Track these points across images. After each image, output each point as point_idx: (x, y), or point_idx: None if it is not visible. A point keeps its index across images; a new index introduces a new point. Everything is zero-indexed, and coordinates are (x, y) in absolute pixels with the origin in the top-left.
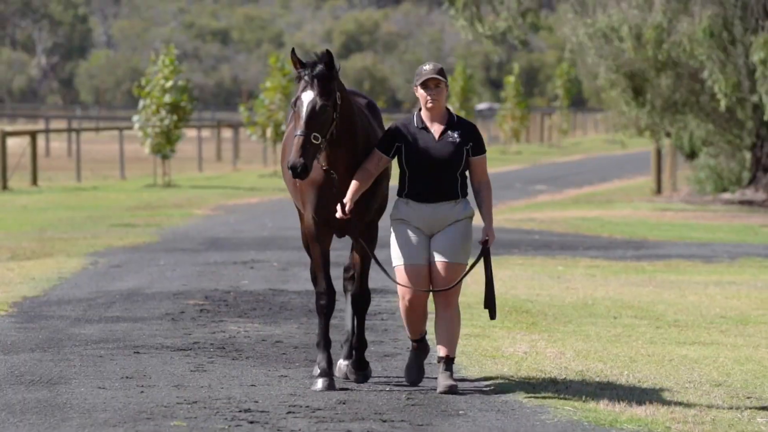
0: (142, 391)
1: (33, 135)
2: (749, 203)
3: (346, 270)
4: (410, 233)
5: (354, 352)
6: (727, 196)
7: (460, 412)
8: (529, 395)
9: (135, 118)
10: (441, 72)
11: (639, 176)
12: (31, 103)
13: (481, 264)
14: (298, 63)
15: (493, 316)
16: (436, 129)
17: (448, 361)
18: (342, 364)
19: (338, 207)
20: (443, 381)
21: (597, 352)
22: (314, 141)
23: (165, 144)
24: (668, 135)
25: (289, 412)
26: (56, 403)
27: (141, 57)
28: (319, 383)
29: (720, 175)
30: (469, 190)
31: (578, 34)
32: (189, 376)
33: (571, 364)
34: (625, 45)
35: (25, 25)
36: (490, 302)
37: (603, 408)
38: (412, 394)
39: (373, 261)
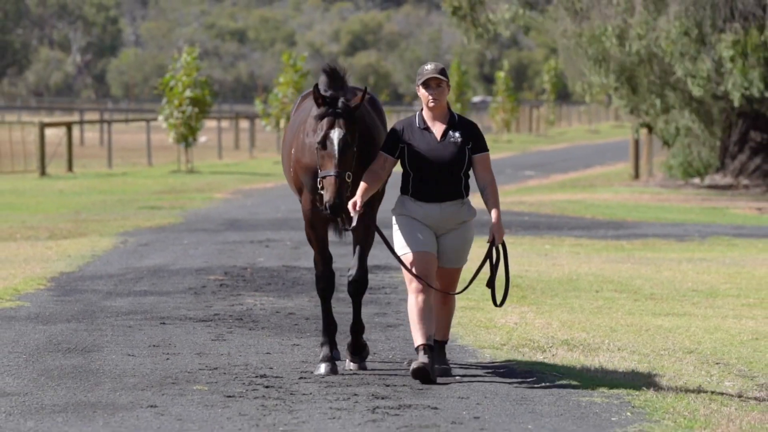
0: (167, 358)
1: (69, 126)
2: (718, 187)
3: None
4: (416, 224)
5: (351, 336)
6: (698, 181)
7: (456, 377)
8: (519, 362)
9: (160, 118)
10: (442, 72)
11: (618, 163)
12: (66, 97)
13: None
14: (320, 99)
15: (502, 303)
16: (437, 129)
17: (441, 345)
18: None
19: (349, 205)
20: (438, 366)
21: (581, 323)
22: (347, 180)
23: (187, 134)
24: (645, 125)
25: (301, 378)
26: (90, 369)
27: (166, 55)
28: (322, 368)
29: (691, 163)
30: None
31: (567, 38)
32: (210, 345)
33: (557, 333)
34: (608, 44)
35: (62, 26)
36: (505, 290)
37: (586, 373)
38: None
39: (373, 253)
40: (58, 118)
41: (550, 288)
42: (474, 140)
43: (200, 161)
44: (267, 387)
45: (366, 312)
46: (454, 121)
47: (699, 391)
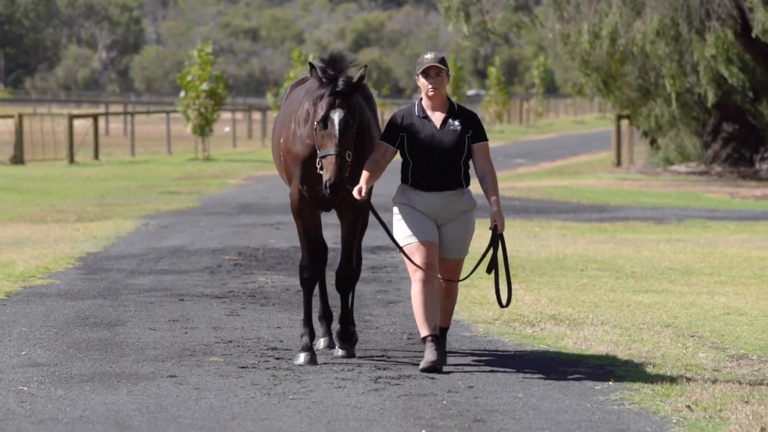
0: (186, 332)
1: (95, 117)
2: (694, 174)
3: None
4: (417, 213)
5: (340, 325)
6: (675, 167)
7: (452, 349)
8: (510, 335)
9: (182, 108)
10: (442, 61)
11: (602, 151)
12: (93, 91)
13: (493, 250)
14: (318, 79)
15: (502, 303)
16: (437, 118)
17: (442, 332)
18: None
19: (355, 191)
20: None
21: (567, 299)
22: (347, 159)
23: (204, 124)
24: (626, 117)
25: None
26: (114, 342)
27: (185, 52)
28: (301, 357)
29: (670, 150)
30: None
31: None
32: (225, 320)
33: (545, 309)
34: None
35: (89, 25)
36: (508, 289)
37: (572, 345)
38: (412, 336)
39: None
40: (86, 110)
41: (539, 267)
42: (474, 129)
43: (216, 150)
44: (277, 359)
45: (368, 289)
46: (453, 110)
47: (675, 361)
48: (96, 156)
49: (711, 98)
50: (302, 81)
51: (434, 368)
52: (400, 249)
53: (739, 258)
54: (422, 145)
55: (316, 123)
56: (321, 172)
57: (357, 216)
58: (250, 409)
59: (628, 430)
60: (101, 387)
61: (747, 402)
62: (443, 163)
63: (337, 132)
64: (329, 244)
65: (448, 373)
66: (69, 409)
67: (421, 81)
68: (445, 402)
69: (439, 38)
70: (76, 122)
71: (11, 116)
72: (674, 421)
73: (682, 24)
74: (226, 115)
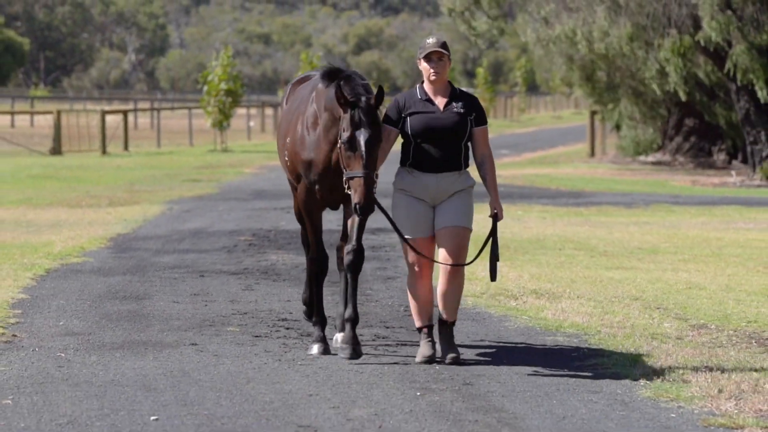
0: (206, 305)
1: (125, 113)
2: (659, 164)
3: (339, 249)
4: (414, 205)
5: (346, 326)
6: (642, 158)
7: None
8: (496, 307)
9: (203, 105)
10: (444, 45)
11: (577, 143)
12: (123, 90)
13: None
14: (343, 99)
15: (493, 278)
16: (439, 101)
17: (450, 325)
18: (338, 337)
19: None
20: (449, 355)
21: (546, 275)
22: (375, 179)
23: (222, 119)
24: (597, 113)
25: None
26: (142, 313)
27: (206, 54)
28: (315, 348)
29: (638, 142)
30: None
31: (539, 39)
32: (241, 294)
33: (527, 284)
34: (580, 46)
35: (119, 31)
36: (492, 268)
37: (551, 317)
38: (409, 308)
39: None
40: (117, 107)
41: (522, 246)
42: (477, 112)
43: (232, 142)
44: (287, 329)
45: (368, 266)
46: (455, 94)
47: (643, 331)
48: (126, 147)
49: (682, 95)
50: (304, 79)
51: (430, 360)
52: (402, 237)
53: (699, 238)
54: (425, 125)
55: (341, 143)
56: (348, 192)
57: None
58: (263, 373)
59: (601, 391)
60: (130, 354)
61: (707, 366)
62: (444, 143)
63: (364, 153)
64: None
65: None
66: (101, 373)
67: (423, 65)
68: (437, 367)
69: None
70: (108, 117)
71: (50, 112)
72: (642, 384)
73: (650, 30)
74: (241, 111)
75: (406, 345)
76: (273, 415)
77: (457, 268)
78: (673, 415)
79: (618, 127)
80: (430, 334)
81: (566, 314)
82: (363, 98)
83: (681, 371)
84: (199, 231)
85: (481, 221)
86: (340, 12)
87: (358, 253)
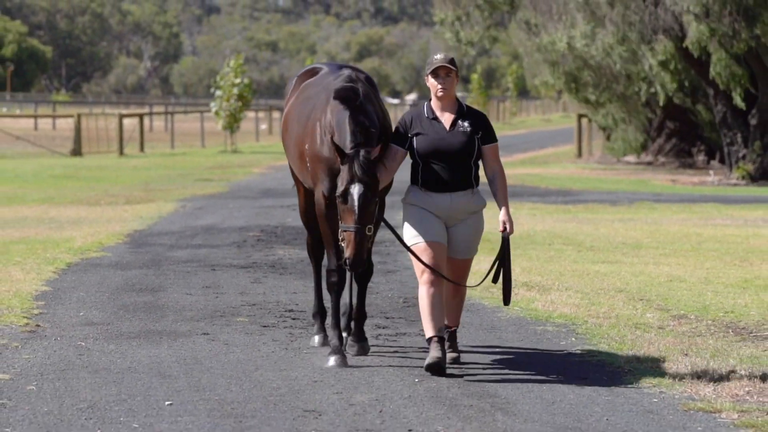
0: (217, 297)
1: (141, 117)
2: (642, 164)
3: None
4: (426, 213)
5: (353, 323)
6: (627, 158)
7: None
8: (489, 299)
9: (212, 104)
10: (452, 61)
11: (565, 145)
12: (139, 95)
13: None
14: (339, 152)
15: (507, 302)
16: (446, 119)
17: (452, 333)
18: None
19: None
20: (449, 354)
21: (537, 269)
22: (368, 233)
23: (232, 122)
24: (586, 116)
25: None
26: (157, 305)
27: (216, 61)
28: (332, 360)
29: (622, 144)
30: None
31: (528, 48)
32: (250, 286)
33: (519, 277)
34: (563, 52)
35: (136, 39)
36: (506, 291)
37: (541, 308)
38: (407, 300)
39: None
40: (133, 111)
41: (513, 242)
42: (484, 130)
43: (241, 143)
44: (294, 319)
45: None
46: (462, 111)
47: (627, 321)
48: (142, 149)
49: (662, 99)
50: (310, 73)
51: (439, 366)
52: (409, 250)
53: (679, 234)
54: (432, 147)
55: (337, 195)
56: (342, 244)
57: (380, 210)
58: (270, 361)
59: (587, 378)
60: (146, 342)
61: (686, 354)
62: (453, 164)
63: (356, 208)
64: None
65: None
66: (119, 360)
67: (431, 81)
68: None
69: (429, 50)
70: (125, 121)
71: (71, 116)
72: (626, 370)
73: (635, 37)
74: (250, 114)
75: (405, 335)
76: (280, 400)
77: (459, 288)
78: (655, 400)
79: (604, 129)
80: (440, 344)
81: (555, 305)
82: (362, 152)
83: (663, 359)
84: (211, 227)
85: (488, 218)
86: (342, 21)
87: (367, 268)
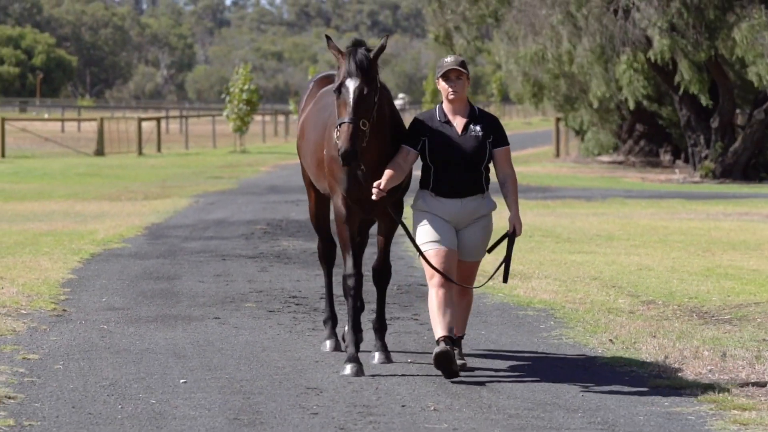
0: (227, 284)
1: (158, 120)
2: (614, 163)
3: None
4: (437, 219)
5: (375, 335)
6: (600, 158)
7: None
8: (474, 287)
9: (225, 113)
10: (462, 64)
11: (545, 146)
12: (156, 100)
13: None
14: (336, 49)
15: (505, 280)
16: (458, 123)
17: (457, 340)
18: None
19: (374, 189)
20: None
21: (518, 259)
22: (362, 127)
23: (241, 125)
24: (561, 119)
25: (321, 298)
26: (173, 292)
27: (227, 69)
28: (348, 369)
29: (596, 145)
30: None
31: (508, 60)
32: (257, 275)
33: (502, 266)
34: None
35: (153, 50)
36: (505, 272)
37: (522, 294)
38: (401, 288)
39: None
40: (151, 115)
41: (497, 233)
42: (495, 134)
43: (249, 144)
44: (297, 304)
45: (366, 251)
46: (474, 114)
47: (600, 306)
48: (159, 149)
49: (632, 104)
50: (326, 79)
51: (448, 355)
52: (422, 255)
53: (648, 227)
54: (443, 151)
55: (334, 90)
56: (338, 141)
57: (396, 210)
58: (276, 343)
59: (565, 358)
60: (162, 326)
61: (655, 336)
62: (464, 169)
63: (351, 100)
64: None
65: (427, 314)
66: (138, 342)
67: (442, 84)
68: (425, 338)
69: (420, 59)
70: (144, 124)
71: (95, 119)
72: (600, 351)
73: (608, 48)
74: (258, 118)
75: (398, 319)
76: (285, 379)
77: (467, 290)
78: (626, 378)
79: (578, 132)
80: (448, 344)
81: (535, 292)
82: (360, 49)
83: (633, 341)
84: (222, 221)
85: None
86: (342, 33)
87: (384, 271)
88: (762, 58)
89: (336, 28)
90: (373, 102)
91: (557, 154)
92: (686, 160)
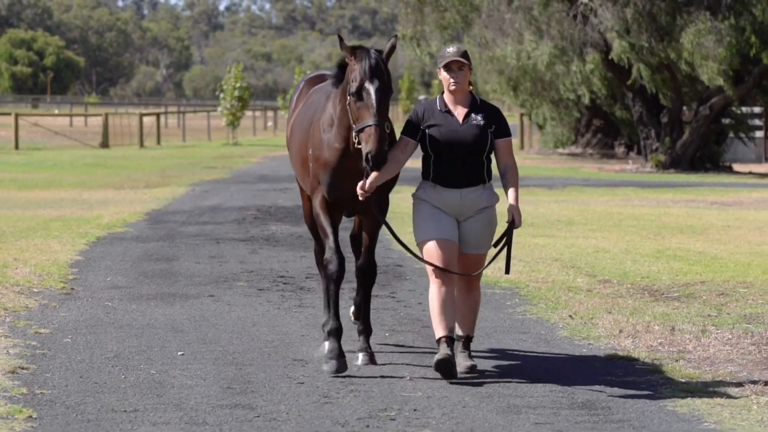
0: (221, 265)
1: (158, 115)
2: (573, 155)
3: (353, 237)
4: (437, 210)
5: (359, 336)
6: (560, 150)
7: (408, 278)
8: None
9: (219, 109)
10: (464, 55)
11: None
12: (156, 97)
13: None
14: (349, 50)
15: (507, 271)
16: (459, 112)
17: (467, 341)
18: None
19: (359, 190)
20: (463, 362)
21: None
22: (386, 130)
23: (234, 120)
24: (524, 115)
25: (307, 277)
26: (171, 272)
27: (220, 69)
28: (332, 364)
29: (556, 138)
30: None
31: (481, 60)
32: (248, 256)
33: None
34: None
35: (154, 51)
36: (507, 262)
37: (490, 274)
38: (380, 267)
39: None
40: (151, 111)
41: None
42: (497, 124)
43: (241, 137)
44: (285, 284)
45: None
46: (476, 104)
47: (561, 285)
48: (158, 142)
49: (587, 101)
50: (318, 78)
51: (449, 362)
52: (416, 256)
53: (604, 213)
54: (444, 140)
55: (349, 96)
56: (359, 147)
57: (380, 209)
58: (265, 318)
59: (528, 332)
60: (162, 303)
61: (610, 312)
62: (465, 158)
63: (374, 102)
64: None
65: (404, 292)
66: (140, 318)
67: (443, 75)
68: (401, 314)
69: (398, 59)
70: (145, 119)
71: (100, 115)
72: (561, 326)
73: (569, 50)
74: (249, 113)
75: (377, 297)
76: (273, 351)
77: (472, 283)
78: (584, 350)
79: (541, 126)
80: (449, 344)
81: (502, 272)
82: (372, 50)
83: (590, 316)
84: (216, 207)
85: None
86: (325, 36)
87: (369, 270)
88: (706, 60)
89: (320, 31)
90: (389, 103)
91: (522, 147)
92: (639, 152)
